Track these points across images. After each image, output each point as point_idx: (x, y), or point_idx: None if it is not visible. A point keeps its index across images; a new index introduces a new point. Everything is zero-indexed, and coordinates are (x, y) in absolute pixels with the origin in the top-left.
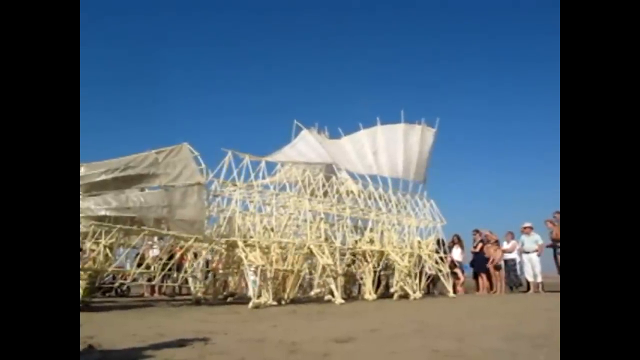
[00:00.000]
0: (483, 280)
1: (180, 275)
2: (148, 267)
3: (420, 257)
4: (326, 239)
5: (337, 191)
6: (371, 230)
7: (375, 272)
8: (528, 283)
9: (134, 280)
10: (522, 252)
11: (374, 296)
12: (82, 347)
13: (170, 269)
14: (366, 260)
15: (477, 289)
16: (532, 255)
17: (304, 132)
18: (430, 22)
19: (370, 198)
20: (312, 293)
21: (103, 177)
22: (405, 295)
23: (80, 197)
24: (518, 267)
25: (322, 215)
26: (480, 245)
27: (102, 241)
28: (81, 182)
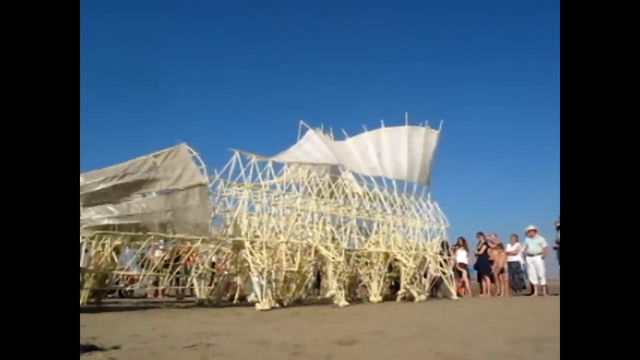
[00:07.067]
0: (487, 282)
1: (189, 278)
2: (156, 270)
3: (424, 259)
4: (333, 239)
5: (343, 192)
6: (376, 232)
7: (380, 275)
8: (532, 286)
9: (132, 282)
10: (526, 254)
11: (379, 298)
12: (85, 347)
13: (178, 272)
14: (372, 262)
15: (481, 291)
16: (536, 258)
17: (310, 133)
18: (433, 23)
19: (375, 199)
20: (328, 294)
21: (102, 185)
22: (410, 298)
23: (81, 208)
24: (522, 269)
25: (329, 219)
26: (484, 247)
27: (108, 242)
28: (80, 193)
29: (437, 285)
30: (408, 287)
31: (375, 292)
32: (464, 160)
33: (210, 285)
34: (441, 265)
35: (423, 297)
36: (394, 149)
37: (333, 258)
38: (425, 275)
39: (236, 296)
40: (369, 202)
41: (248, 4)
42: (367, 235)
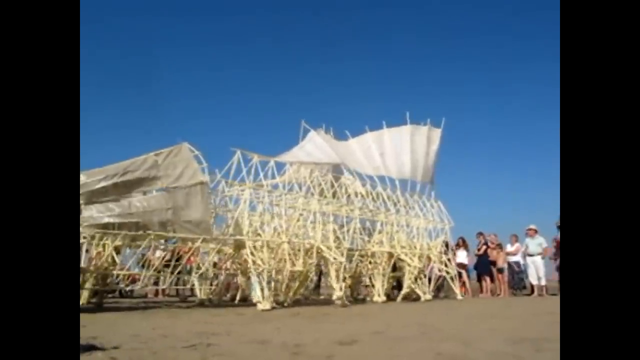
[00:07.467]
0: (487, 282)
1: (191, 278)
2: (157, 270)
3: (429, 258)
4: (337, 239)
5: (346, 192)
6: (380, 232)
7: (384, 275)
8: (532, 286)
9: (133, 282)
10: (526, 254)
11: (383, 298)
12: (85, 347)
13: (180, 272)
14: (375, 262)
15: (481, 291)
16: (536, 258)
17: (312, 134)
18: (434, 20)
19: (378, 199)
20: (334, 298)
21: (103, 183)
22: (416, 298)
23: (82, 206)
24: (522, 269)
25: (331, 218)
26: (484, 247)
27: (109, 242)
28: (81, 191)
29: (440, 286)
30: (413, 286)
31: (379, 292)
32: (463, 160)
33: (211, 285)
34: (445, 265)
35: (428, 296)
36: (397, 148)
37: (335, 259)
38: (430, 276)
39: (238, 297)
40: (372, 202)
41: (249, 4)
42: (370, 235)
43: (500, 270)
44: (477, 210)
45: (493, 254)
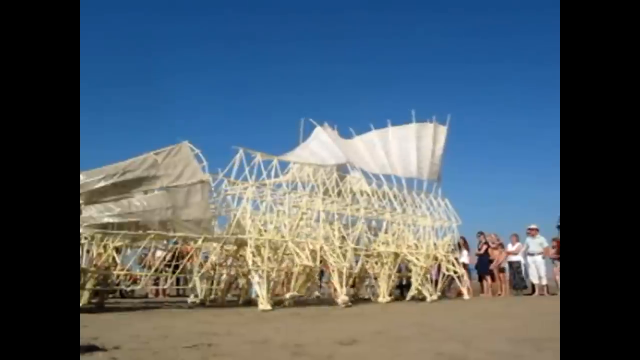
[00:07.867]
0: (488, 282)
1: (193, 277)
2: (157, 269)
3: (436, 258)
4: (342, 238)
5: (351, 191)
6: (386, 231)
7: (389, 275)
8: (533, 286)
9: (135, 282)
10: (527, 254)
11: (388, 298)
12: (86, 347)
13: (182, 272)
14: (381, 262)
15: (482, 291)
16: (537, 258)
17: (318, 130)
18: (436, 18)
19: (384, 198)
20: (339, 301)
21: (102, 183)
22: (422, 298)
23: (82, 206)
24: (523, 269)
25: (336, 217)
26: (484, 247)
27: (110, 243)
28: (81, 191)
29: (446, 286)
30: (420, 288)
31: (384, 292)
32: (462, 158)
33: (212, 285)
34: (453, 264)
35: (434, 297)
36: (403, 147)
37: (336, 261)
38: (437, 278)
39: (242, 298)
40: (378, 201)
41: (250, 4)
42: (376, 235)
43: (501, 270)
44: (478, 209)
45: (494, 254)
